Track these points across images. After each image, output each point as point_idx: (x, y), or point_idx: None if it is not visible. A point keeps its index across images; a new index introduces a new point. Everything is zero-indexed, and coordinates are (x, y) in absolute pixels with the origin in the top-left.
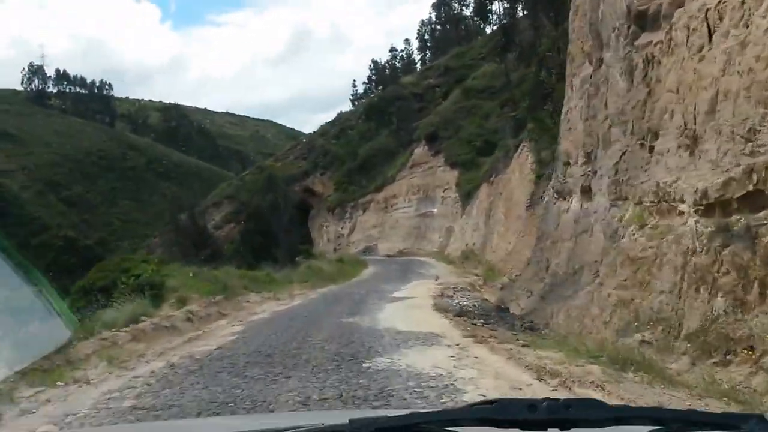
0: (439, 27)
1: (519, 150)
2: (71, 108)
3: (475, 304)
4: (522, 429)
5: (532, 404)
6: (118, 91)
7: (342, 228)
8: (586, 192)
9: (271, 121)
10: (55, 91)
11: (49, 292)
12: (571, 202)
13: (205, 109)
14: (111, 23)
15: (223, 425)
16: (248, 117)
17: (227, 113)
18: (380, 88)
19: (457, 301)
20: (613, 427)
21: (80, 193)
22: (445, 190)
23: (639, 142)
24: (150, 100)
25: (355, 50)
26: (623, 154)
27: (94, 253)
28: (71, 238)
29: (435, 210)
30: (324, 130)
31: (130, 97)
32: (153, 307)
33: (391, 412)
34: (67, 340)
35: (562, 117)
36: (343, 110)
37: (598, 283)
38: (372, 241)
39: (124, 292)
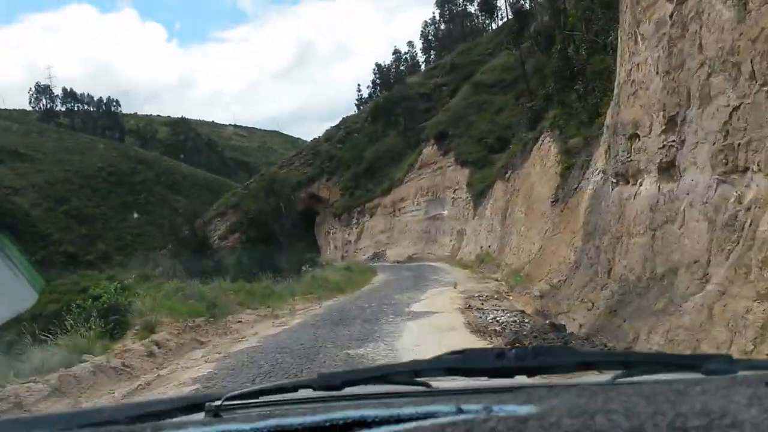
0: (443, 26)
1: (539, 142)
2: (80, 125)
3: (515, 319)
4: (490, 377)
5: (500, 353)
6: (128, 110)
7: (349, 234)
8: (669, 169)
9: (278, 132)
10: (63, 109)
11: (13, 254)
12: (642, 185)
13: (213, 122)
14: (118, 45)
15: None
16: (255, 128)
17: (234, 125)
18: (385, 91)
19: (492, 315)
20: (582, 372)
21: (90, 208)
22: (455, 190)
23: (764, 89)
24: (158, 115)
25: (359, 61)
26: (735, 109)
27: (94, 269)
28: (71, 253)
29: (445, 212)
30: (329, 135)
31: (138, 113)
32: (110, 338)
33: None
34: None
35: (618, 83)
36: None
37: (717, 291)
38: (380, 247)
39: (78, 319)
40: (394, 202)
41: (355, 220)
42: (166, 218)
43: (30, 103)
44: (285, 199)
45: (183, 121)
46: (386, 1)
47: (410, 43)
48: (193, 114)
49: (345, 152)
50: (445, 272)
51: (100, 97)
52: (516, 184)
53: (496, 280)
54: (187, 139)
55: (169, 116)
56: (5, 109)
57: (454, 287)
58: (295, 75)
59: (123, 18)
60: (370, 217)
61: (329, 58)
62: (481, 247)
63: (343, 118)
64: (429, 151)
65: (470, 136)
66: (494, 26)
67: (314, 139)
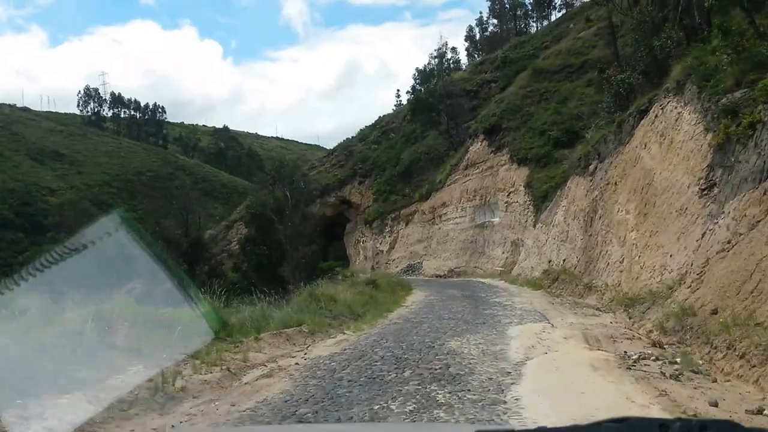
0: (492, 24)
1: (650, 115)
2: (125, 131)
3: None
4: None
5: (663, 423)
6: (181, 120)
7: (381, 243)
8: None
9: (318, 146)
10: (110, 114)
11: (196, 296)
12: None
13: (256, 133)
14: (177, 59)
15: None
16: (296, 141)
17: (276, 137)
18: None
19: None
20: None
21: (125, 210)
22: (509, 193)
23: None
24: (203, 125)
25: (403, 82)
26: None
27: None
28: None
29: (496, 219)
30: (363, 135)
31: (186, 122)
32: None
33: (518, 427)
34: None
35: None
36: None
37: None
38: (416, 258)
39: None
40: (434, 207)
41: (388, 228)
42: (203, 224)
43: (78, 106)
44: (295, 189)
45: (225, 131)
46: (430, 28)
47: (454, 49)
48: (241, 127)
49: (380, 153)
50: (507, 293)
51: (147, 104)
52: (610, 177)
53: (597, 309)
54: (228, 148)
55: (213, 126)
56: (54, 112)
57: (549, 323)
58: (340, 94)
59: (183, 35)
60: (406, 224)
61: (373, 79)
62: (550, 261)
63: (380, 117)
64: (477, 148)
65: (529, 130)
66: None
67: (347, 139)
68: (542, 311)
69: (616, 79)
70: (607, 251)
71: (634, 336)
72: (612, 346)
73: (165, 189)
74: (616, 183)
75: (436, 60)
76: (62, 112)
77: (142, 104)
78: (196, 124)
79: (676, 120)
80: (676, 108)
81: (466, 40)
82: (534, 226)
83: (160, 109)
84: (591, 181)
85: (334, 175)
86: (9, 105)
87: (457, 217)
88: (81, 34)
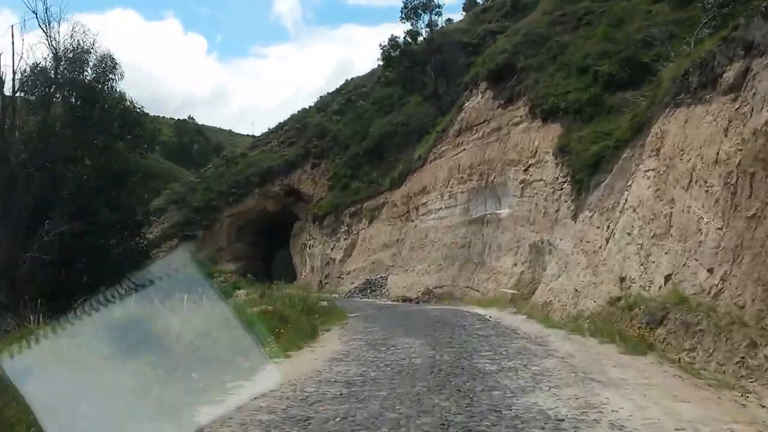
0: None
1: None
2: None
3: None
4: None
5: None
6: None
7: (333, 249)
8: None
9: None
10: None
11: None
12: None
13: (230, 130)
14: (159, 53)
15: None
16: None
17: (250, 135)
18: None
19: None
20: None
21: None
22: (528, 167)
23: None
24: (164, 116)
25: None
26: None
27: None
28: None
29: (504, 211)
30: (324, 103)
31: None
32: None
33: None
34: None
35: None
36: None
37: None
38: (379, 271)
39: None
40: (409, 196)
41: (344, 227)
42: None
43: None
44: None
45: (191, 123)
46: None
47: (449, 20)
48: (225, 125)
49: (343, 126)
50: (551, 356)
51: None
52: None
53: None
54: (193, 142)
55: (175, 118)
56: None
57: None
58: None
59: (166, 27)
60: (369, 222)
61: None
62: (624, 280)
63: (346, 80)
64: (477, 103)
65: (561, 68)
66: None
67: (302, 109)
68: None
69: None
70: None
71: None
72: None
73: None
74: None
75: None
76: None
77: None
78: (159, 116)
79: None
80: None
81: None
82: (574, 217)
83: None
84: (736, 102)
85: (280, 155)
86: None
87: (442, 209)
88: (56, 19)
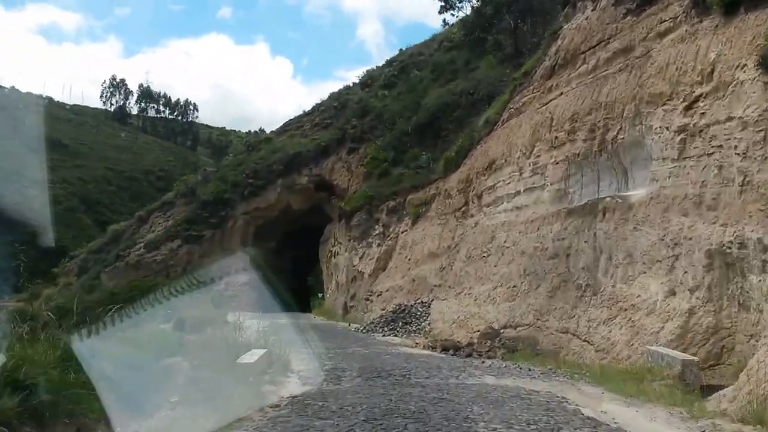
0: None
1: None
2: (150, 127)
3: None
4: None
5: None
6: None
7: (361, 258)
8: None
9: None
10: (137, 110)
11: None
12: None
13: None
14: (247, 75)
15: None
16: None
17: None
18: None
19: None
20: None
21: (116, 212)
22: (692, 102)
23: None
24: (234, 130)
25: None
26: None
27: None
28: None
29: (636, 190)
30: (370, 76)
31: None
32: None
33: None
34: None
35: None
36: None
37: None
38: (421, 294)
39: None
40: (469, 179)
41: (378, 228)
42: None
43: (101, 97)
44: None
45: (260, 134)
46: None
47: None
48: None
49: (391, 102)
50: None
51: (177, 99)
52: None
53: None
54: (257, 150)
55: (249, 131)
56: (76, 105)
57: None
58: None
59: (255, 50)
60: (413, 221)
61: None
62: None
63: (401, 50)
64: (584, 20)
65: None
66: None
67: (345, 87)
68: None
69: None
70: None
71: None
72: None
73: (170, 190)
74: None
75: None
76: (86, 105)
77: (172, 100)
78: (234, 130)
79: None
80: None
81: None
82: None
83: (192, 107)
84: None
85: (311, 139)
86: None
87: (519, 193)
88: (154, 46)
